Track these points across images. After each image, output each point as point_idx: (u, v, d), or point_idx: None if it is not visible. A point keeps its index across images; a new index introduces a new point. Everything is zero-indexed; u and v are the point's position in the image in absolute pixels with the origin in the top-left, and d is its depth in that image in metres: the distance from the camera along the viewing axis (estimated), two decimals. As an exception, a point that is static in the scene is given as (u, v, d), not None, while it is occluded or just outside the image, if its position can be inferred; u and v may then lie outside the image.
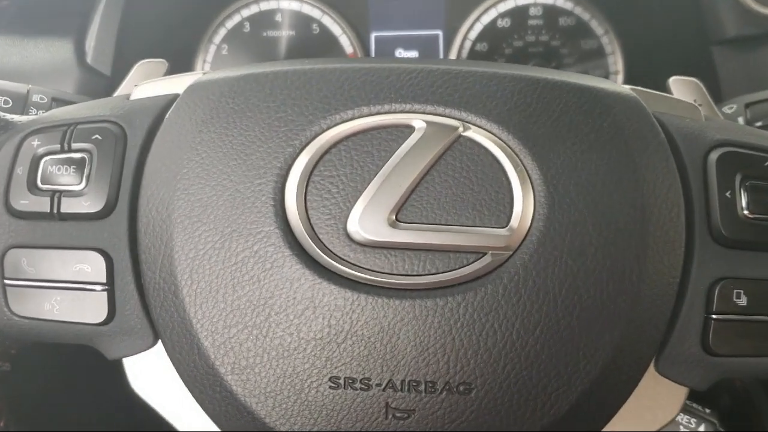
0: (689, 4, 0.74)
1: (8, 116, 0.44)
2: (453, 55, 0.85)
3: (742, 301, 0.39)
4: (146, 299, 0.40)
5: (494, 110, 0.40)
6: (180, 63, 0.85)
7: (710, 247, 0.39)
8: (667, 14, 0.79)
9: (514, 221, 0.38)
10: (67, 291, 0.41)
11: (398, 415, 0.38)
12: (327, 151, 0.40)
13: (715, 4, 0.71)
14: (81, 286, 0.40)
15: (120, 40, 0.74)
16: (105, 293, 0.40)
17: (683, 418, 0.48)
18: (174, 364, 0.41)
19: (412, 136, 0.39)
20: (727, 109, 0.58)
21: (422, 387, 0.38)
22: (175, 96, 0.43)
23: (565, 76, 0.42)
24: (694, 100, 0.49)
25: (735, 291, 0.39)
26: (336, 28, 0.86)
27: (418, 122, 0.39)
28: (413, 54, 0.87)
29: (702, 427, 0.46)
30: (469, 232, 0.38)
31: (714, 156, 0.40)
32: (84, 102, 0.48)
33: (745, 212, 0.39)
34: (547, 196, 0.38)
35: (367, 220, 0.38)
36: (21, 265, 0.41)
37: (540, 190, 0.39)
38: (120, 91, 0.51)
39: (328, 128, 0.40)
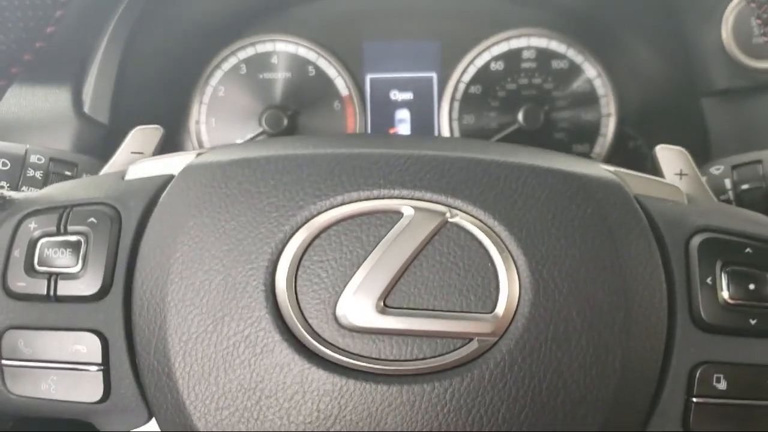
0: (680, 55, 0.75)
1: (6, 193, 0.45)
2: (447, 98, 0.86)
3: (722, 385, 0.39)
4: (141, 379, 0.41)
5: (480, 197, 0.40)
6: (177, 105, 0.86)
7: (691, 332, 0.40)
8: (659, 62, 0.80)
9: (500, 307, 0.39)
10: (64, 371, 0.41)
11: None
12: (317, 236, 0.40)
13: (705, 57, 0.72)
14: (77, 366, 0.41)
15: (117, 88, 0.75)
16: (100, 373, 0.41)
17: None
18: None
19: (400, 221, 0.40)
20: (714, 170, 0.59)
21: (410, 470, 0.39)
22: (170, 177, 0.43)
23: (550, 161, 0.43)
24: (680, 170, 0.50)
25: (715, 375, 0.39)
26: (331, 70, 0.87)
27: (407, 208, 0.40)
28: (408, 96, 0.88)
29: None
30: (456, 317, 0.39)
31: (696, 241, 0.41)
32: (80, 179, 0.49)
33: (726, 298, 0.40)
34: (532, 283, 0.39)
35: (355, 305, 0.39)
36: (18, 346, 0.42)
37: (525, 276, 0.39)
38: (115, 158, 0.52)
39: (318, 213, 0.41)
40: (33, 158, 0.59)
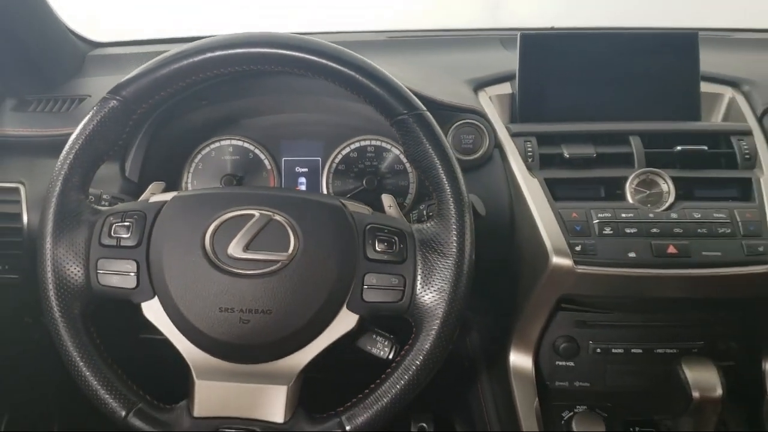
0: None
1: (98, 207, 1.04)
2: (326, 172, 1.42)
3: (374, 281, 0.96)
4: (150, 278, 0.98)
5: (286, 209, 0.98)
6: (175, 174, 1.45)
7: (363, 262, 0.95)
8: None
9: (290, 249, 0.96)
10: (120, 275, 0.97)
11: (244, 320, 0.95)
12: (222, 224, 0.98)
13: None
14: (126, 274, 0.96)
15: (143, 164, 1.36)
16: (135, 276, 0.96)
17: (380, 339, 1.06)
18: (162, 305, 0.98)
19: (253, 218, 0.97)
20: (421, 207, 1.19)
21: (253, 310, 0.93)
22: (165, 202, 1.02)
23: (318, 197, 1.02)
24: (390, 205, 1.09)
25: (370, 277, 0.96)
26: (261, 155, 1.44)
27: (256, 213, 0.98)
28: (305, 169, 1.49)
29: (387, 342, 1.03)
30: (274, 252, 0.96)
31: (367, 228, 0.99)
32: (129, 201, 1.09)
33: (376, 249, 0.97)
34: (302, 244, 0.96)
35: (235, 249, 0.96)
36: (103, 264, 0.99)
37: (301, 240, 0.96)
38: (145, 194, 1.11)
39: (222, 215, 0.99)
40: (105, 196, 1.18)
